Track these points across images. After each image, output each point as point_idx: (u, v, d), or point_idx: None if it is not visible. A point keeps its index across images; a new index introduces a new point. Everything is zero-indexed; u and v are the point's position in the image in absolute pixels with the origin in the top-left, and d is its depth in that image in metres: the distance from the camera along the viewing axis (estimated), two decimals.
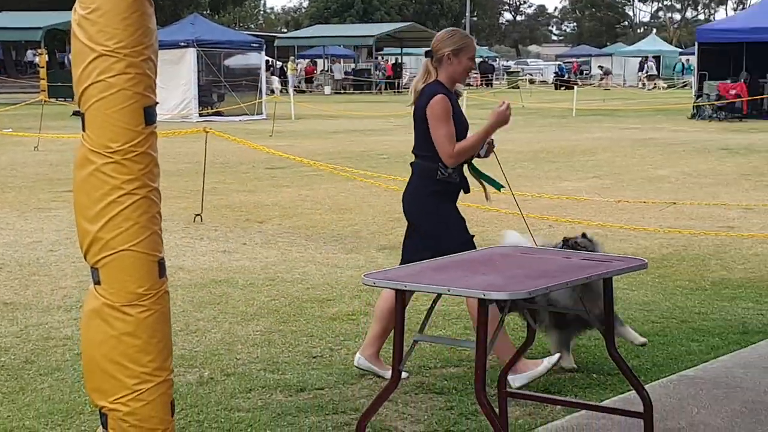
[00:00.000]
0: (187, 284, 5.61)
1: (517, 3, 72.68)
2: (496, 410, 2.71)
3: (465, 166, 3.91)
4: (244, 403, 3.60)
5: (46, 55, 24.90)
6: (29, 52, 33.79)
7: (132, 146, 2.08)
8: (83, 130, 2.12)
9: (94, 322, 2.11)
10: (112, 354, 2.10)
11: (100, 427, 2.14)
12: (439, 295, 2.65)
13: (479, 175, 4.06)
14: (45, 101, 19.04)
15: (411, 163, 3.90)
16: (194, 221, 7.73)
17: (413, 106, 3.79)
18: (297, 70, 36.92)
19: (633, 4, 70.10)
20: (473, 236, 3.87)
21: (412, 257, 3.49)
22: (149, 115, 2.11)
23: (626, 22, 72.75)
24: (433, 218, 3.76)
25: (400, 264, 3.68)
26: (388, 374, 3.22)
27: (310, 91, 35.93)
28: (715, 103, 20.18)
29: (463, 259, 3.04)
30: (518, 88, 33.70)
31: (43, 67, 23.75)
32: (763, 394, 3.87)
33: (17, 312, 4.92)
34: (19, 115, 18.74)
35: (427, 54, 3.82)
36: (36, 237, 7.24)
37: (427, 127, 3.67)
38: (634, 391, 3.01)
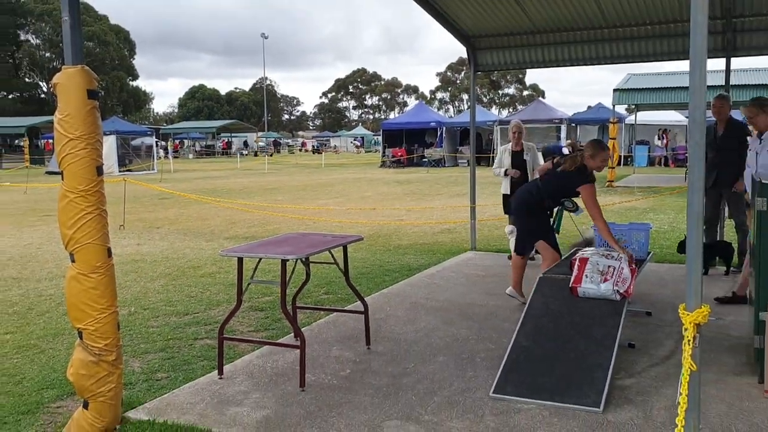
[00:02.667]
0: (118, 262, 8.56)
1: (290, 109, 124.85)
2: (291, 315, 4.83)
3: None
4: (155, 323, 6.12)
5: (27, 141, 41.93)
6: (17, 140, 50.41)
7: (90, 187, 3.73)
8: (62, 179, 3.73)
9: (72, 283, 3.77)
10: (83, 298, 3.77)
11: (78, 339, 3.83)
12: (260, 259, 4.66)
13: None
14: (28, 166, 34.70)
15: None
16: (119, 229, 12.38)
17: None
18: (173, 146, 55.59)
19: (349, 111, 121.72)
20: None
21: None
22: (99, 171, 3.77)
23: (346, 119, 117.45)
24: None
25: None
26: (524, 299, 5.98)
27: (176, 157, 52.32)
28: (390, 159, 35.98)
29: (273, 240, 5.05)
30: (293, 153, 66.46)
31: (26, 148, 40.11)
32: (421, 299, 6.66)
33: (21, 282, 8.08)
34: (14, 175, 29.97)
35: None
36: (28, 241, 11.37)
37: None
38: (359, 301, 5.33)
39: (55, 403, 4.32)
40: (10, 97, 69.04)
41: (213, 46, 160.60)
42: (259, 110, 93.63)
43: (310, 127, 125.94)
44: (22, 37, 69.83)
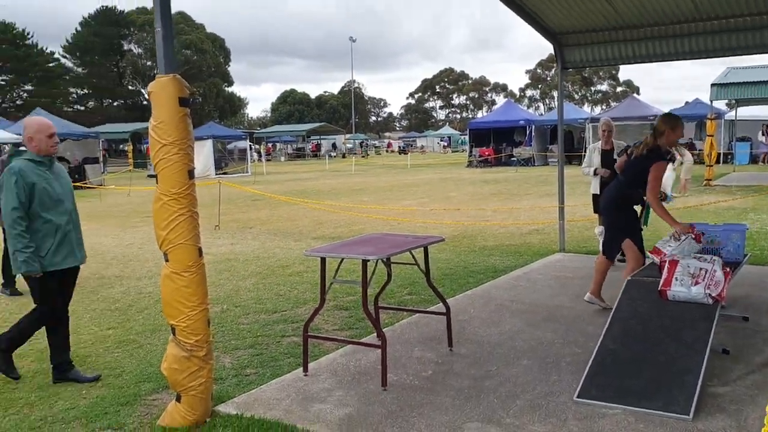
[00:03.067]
0: (213, 261, 9.47)
1: (378, 111, 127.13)
2: (374, 315, 4.89)
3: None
4: (245, 320, 6.36)
5: (131, 146, 43.20)
6: (121, 145, 54.48)
7: (183, 190, 3.92)
8: (157, 183, 3.95)
9: (166, 281, 3.98)
10: (176, 296, 3.97)
11: (171, 334, 4.04)
12: (342, 259, 4.75)
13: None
14: (131, 170, 34.29)
15: None
16: (215, 229, 12.98)
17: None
18: (266, 149, 58.52)
19: (435, 111, 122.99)
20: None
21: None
22: (191, 174, 3.96)
23: (433, 120, 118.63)
24: None
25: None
26: (605, 305, 5.97)
27: (269, 160, 54.34)
28: (478, 158, 35.77)
29: (355, 240, 5.13)
30: (379, 153, 69.93)
31: (129, 152, 40.54)
32: (506, 301, 6.55)
33: (123, 280, 8.55)
34: (118, 178, 32.68)
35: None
36: (130, 241, 12.05)
37: None
38: (441, 303, 5.33)
39: (151, 396, 4.55)
40: (114, 104, 72.94)
41: (305, 51, 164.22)
42: (347, 113, 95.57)
43: (397, 128, 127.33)
44: (126, 47, 73.62)
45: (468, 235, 11.43)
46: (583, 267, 8.21)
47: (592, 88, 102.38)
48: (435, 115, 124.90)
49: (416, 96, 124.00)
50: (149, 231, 12.96)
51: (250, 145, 45.39)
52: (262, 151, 52.86)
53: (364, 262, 4.44)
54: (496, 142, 36.81)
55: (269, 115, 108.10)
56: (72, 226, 4.82)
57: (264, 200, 19.16)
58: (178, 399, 3.99)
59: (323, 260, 4.73)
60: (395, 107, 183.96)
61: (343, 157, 62.72)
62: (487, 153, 36.32)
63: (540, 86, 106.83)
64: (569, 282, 7.49)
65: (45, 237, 4.65)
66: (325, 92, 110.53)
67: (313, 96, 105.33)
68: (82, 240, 4.97)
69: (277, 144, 67.24)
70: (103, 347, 5.66)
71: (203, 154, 32.58)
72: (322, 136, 69.73)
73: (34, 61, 64.05)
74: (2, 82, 65.17)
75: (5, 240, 4.66)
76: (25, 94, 65.06)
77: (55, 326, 4.92)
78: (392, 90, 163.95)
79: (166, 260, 3.96)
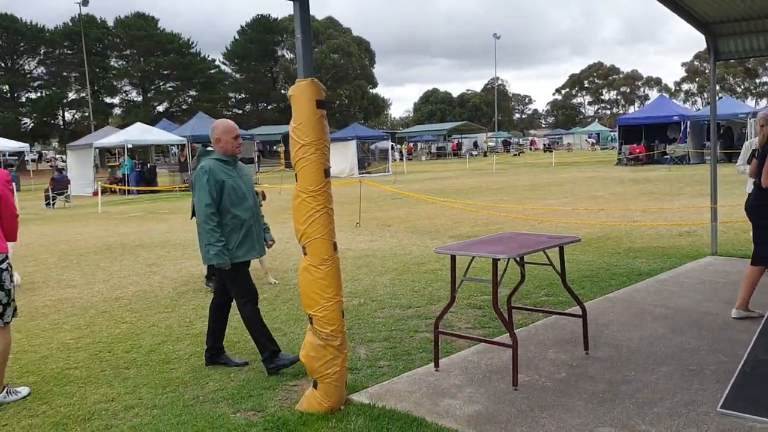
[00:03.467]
0: (352, 257, 9.82)
1: (522, 108, 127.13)
2: (505, 316, 4.88)
3: None
4: (381, 314, 6.55)
5: (283, 146, 46.14)
6: (275, 146, 56.78)
7: (319, 188, 4.13)
8: (296, 180, 4.19)
9: (304, 273, 4.21)
10: (313, 287, 4.18)
11: (309, 324, 4.26)
12: (473, 258, 4.78)
13: None
14: (282, 170, 35.75)
15: None
16: (355, 226, 13.59)
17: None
18: (407, 148, 59.92)
19: (584, 107, 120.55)
20: None
21: None
22: (326, 173, 4.16)
23: (581, 116, 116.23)
24: None
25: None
26: (756, 314, 5.72)
27: (410, 159, 55.14)
28: (628, 156, 34.34)
29: (487, 239, 5.15)
30: (522, 152, 67.56)
31: (281, 153, 43.84)
32: (649, 305, 6.25)
33: (271, 272, 8.63)
34: (269, 177, 33.26)
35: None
36: (279, 236, 11.63)
37: None
38: (578, 306, 5.21)
39: (291, 382, 4.82)
40: (268, 107, 77.00)
41: (448, 50, 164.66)
42: (490, 110, 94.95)
43: (542, 125, 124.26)
44: (279, 53, 77.48)
45: (613, 236, 11.00)
46: (736, 272, 7.66)
47: (757, 80, 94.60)
48: (583, 111, 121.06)
49: (563, 92, 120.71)
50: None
51: (392, 145, 46.44)
52: (403, 150, 53.71)
53: (495, 261, 4.44)
54: (647, 139, 34.96)
55: (411, 114, 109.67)
56: (254, 221, 5.11)
57: (403, 199, 19.48)
58: (315, 386, 4.20)
59: (453, 258, 4.78)
60: (540, 104, 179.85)
61: (485, 155, 62.28)
62: (637, 150, 34.50)
63: (697, 79, 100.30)
64: (719, 287, 7.02)
65: (232, 231, 4.92)
66: (467, 90, 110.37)
67: (455, 95, 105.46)
68: (262, 234, 5.29)
69: (418, 143, 68.03)
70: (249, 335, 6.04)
71: (348, 154, 33.62)
72: (463, 135, 69.69)
73: (198, 68, 69.07)
74: (170, 89, 70.84)
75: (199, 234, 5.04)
76: (190, 99, 70.35)
77: (220, 314, 5.28)
78: (537, 86, 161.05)
79: (305, 253, 4.18)
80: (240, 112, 75.62)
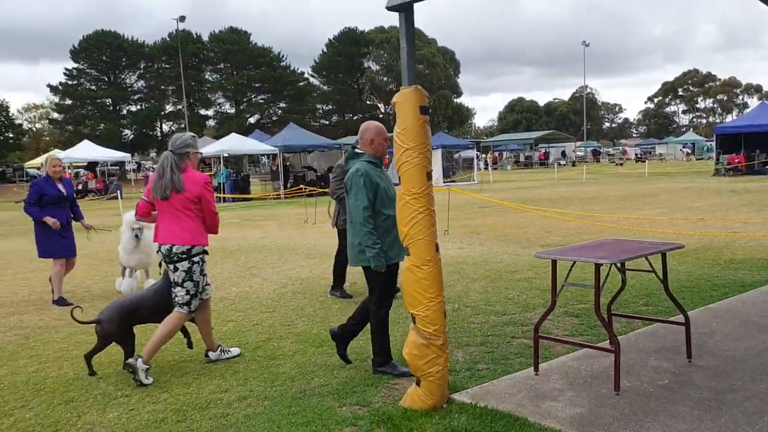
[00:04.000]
0: (444, 263, 9.43)
1: (612, 117, 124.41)
2: (606, 321, 4.88)
3: None
4: (476, 320, 6.63)
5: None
6: None
7: (422, 190, 4.27)
8: (399, 184, 4.35)
9: (407, 273, 4.35)
10: (416, 287, 4.32)
11: (412, 323, 4.41)
12: (574, 263, 4.80)
13: None
14: None
15: None
16: (444, 234, 12.98)
17: None
18: (492, 158, 60.19)
19: (677, 116, 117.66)
20: None
21: None
22: (429, 176, 4.30)
23: (674, 125, 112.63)
24: None
25: None
26: None
27: (495, 169, 55.34)
28: (726, 166, 32.82)
29: (587, 245, 5.17)
30: (613, 162, 64.10)
31: None
32: (754, 316, 6.08)
33: None
34: None
35: None
36: None
37: None
38: (680, 315, 5.13)
39: (393, 381, 4.97)
40: (354, 118, 78.22)
41: (534, 58, 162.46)
42: (578, 119, 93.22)
43: (633, 135, 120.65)
44: (365, 65, 78.72)
45: (712, 247, 10.64)
46: None
47: None
48: (677, 120, 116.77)
49: (656, 100, 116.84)
50: None
51: (477, 154, 46.31)
52: (488, 159, 53.39)
53: (597, 266, 4.45)
54: (747, 149, 33.34)
55: (496, 124, 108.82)
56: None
57: (491, 207, 19.42)
58: (418, 383, 4.34)
59: (554, 263, 4.82)
60: (631, 113, 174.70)
61: (573, 165, 61.04)
62: (737, 160, 32.93)
63: None
64: None
65: (384, 233, 4.97)
66: (554, 99, 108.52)
67: (541, 104, 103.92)
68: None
69: (503, 153, 67.47)
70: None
71: (433, 163, 33.81)
72: (550, 144, 68.59)
73: (288, 80, 71.13)
74: (261, 101, 73.19)
75: (341, 242, 5.19)
76: (280, 111, 72.42)
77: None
78: (628, 94, 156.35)
79: (407, 254, 4.33)
80: (327, 122, 77.23)
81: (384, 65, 77.18)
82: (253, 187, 32.19)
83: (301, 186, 28.02)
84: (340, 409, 4.44)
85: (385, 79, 77.31)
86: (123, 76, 67.96)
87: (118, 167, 49.07)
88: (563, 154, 67.90)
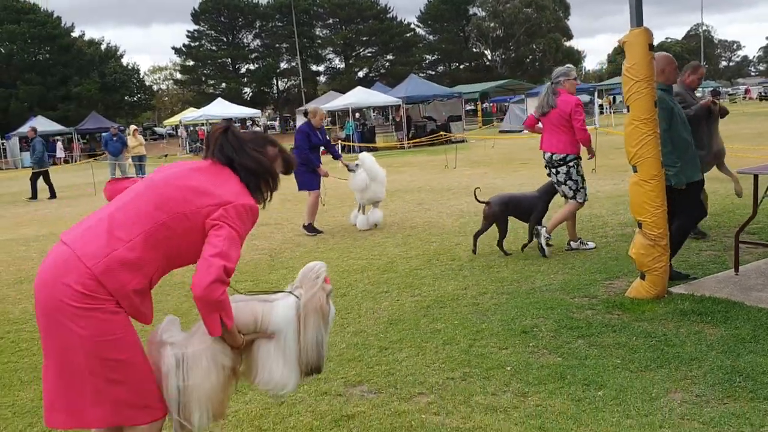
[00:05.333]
0: (604, 197, 9.42)
1: (729, 55, 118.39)
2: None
3: None
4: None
5: (480, 104, 51.60)
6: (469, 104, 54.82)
7: (650, 116, 5.05)
8: (628, 111, 5.18)
9: (634, 187, 5.19)
10: (643, 198, 5.09)
11: (638, 228, 5.28)
12: None
13: None
14: (480, 127, 42.94)
15: None
16: (592, 172, 12.25)
17: None
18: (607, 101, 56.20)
19: None
20: None
21: None
22: (655, 104, 5.11)
23: None
24: None
25: None
26: None
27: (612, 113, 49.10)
28: None
29: None
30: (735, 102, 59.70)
31: (479, 110, 49.85)
32: None
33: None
34: (477, 133, 35.19)
35: None
36: (513, 182, 13.25)
37: None
38: None
39: (605, 281, 5.87)
40: (461, 66, 77.97)
41: None
42: (693, 58, 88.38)
43: (751, 74, 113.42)
44: (471, 11, 77.81)
45: None
46: None
47: None
48: None
49: None
50: (529, 174, 14.49)
51: (590, 99, 45.55)
52: (604, 104, 52.31)
53: None
54: None
55: (605, 66, 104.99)
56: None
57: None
58: (643, 277, 5.23)
59: (756, 177, 5.53)
60: (751, 50, 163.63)
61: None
62: None
63: None
64: None
65: (682, 153, 5.40)
66: (667, 39, 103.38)
67: (655, 43, 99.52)
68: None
69: (615, 97, 65.49)
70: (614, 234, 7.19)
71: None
72: None
73: (395, 32, 71.53)
74: (368, 54, 74.20)
75: None
76: (388, 63, 73.19)
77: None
78: (748, 31, 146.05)
79: (635, 171, 5.18)
80: (433, 73, 77.32)
81: (490, 11, 76.07)
82: (377, 138, 33.45)
83: (422, 138, 28.96)
84: (572, 299, 5.41)
85: (492, 24, 76.27)
86: (240, 36, 70.66)
87: (239, 124, 51.77)
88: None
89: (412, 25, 75.84)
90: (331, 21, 73.07)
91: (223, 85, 67.06)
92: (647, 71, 5.03)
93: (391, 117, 36.48)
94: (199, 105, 49.07)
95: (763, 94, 66.53)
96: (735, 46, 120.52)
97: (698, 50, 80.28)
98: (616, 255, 6.74)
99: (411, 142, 29.56)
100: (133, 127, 21.40)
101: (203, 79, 69.48)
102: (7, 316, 6.26)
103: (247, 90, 69.58)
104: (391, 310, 5.54)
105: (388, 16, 72.80)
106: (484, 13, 77.54)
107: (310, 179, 9.30)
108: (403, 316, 5.34)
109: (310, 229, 9.35)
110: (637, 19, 5.10)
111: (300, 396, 3.93)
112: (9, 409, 4.11)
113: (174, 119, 42.49)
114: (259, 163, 2.71)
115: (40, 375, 2.58)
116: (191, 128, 40.17)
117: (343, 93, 35.42)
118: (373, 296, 5.97)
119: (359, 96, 30.61)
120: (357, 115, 35.15)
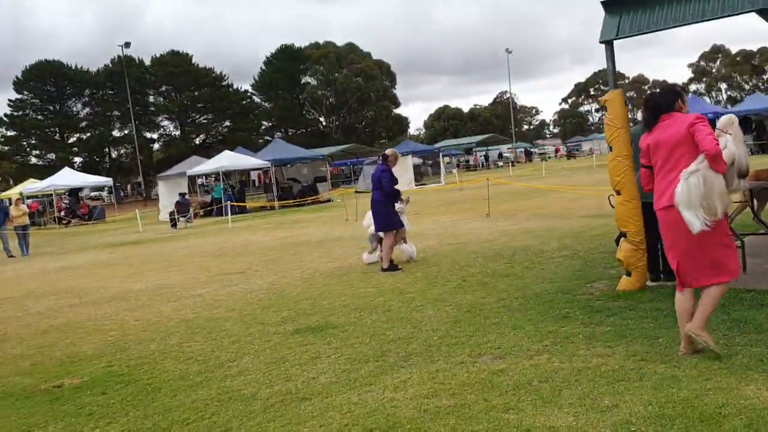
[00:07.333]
0: (511, 236, 11.35)
1: (530, 119, 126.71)
2: None
3: None
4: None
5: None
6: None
7: (628, 154, 6.91)
8: (611, 150, 6.98)
9: (620, 207, 6.99)
10: (627, 214, 6.93)
11: (623, 237, 7.03)
12: None
13: None
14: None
15: None
16: (486, 216, 16.00)
17: None
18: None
19: (591, 114, 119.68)
20: None
21: None
22: (631, 144, 6.97)
23: (588, 123, 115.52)
24: None
25: None
26: None
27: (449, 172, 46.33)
28: None
29: None
30: (546, 160, 73.17)
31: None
32: None
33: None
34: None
35: None
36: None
37: None
38: None
39: (587, 285, 7.56)
40: (297, 132, 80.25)
41: (448, 67, 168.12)
42: (500, 123, 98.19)
43: (547, 135, 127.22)
44: (303, 80, 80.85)
45: None
46: None
47: (764, 76, 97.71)
48: (590, 118, 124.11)
49: (569, 101, 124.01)
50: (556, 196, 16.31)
51: (423, 160, 49.36)
52: (442, 164, 56.80)
53: None
54: None
55: (423, 132, 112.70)
56: None
57: (498, 196, 22.13)
58: (629, 274, 6.97)
59: (751, 191, 7.56)
60: (547, 114, 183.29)
61: (512, 165, 65.00)
62: None
63: (705, 79, 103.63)
64: None
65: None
66: (475, 105, 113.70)
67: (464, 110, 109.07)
68: None
69: (446, 157, 71.05)
70: (559, 255, 8.80)
71: (406, 168, 36.48)
72: (489, 147, 72.73)
73: (231, 99, 72.41)
74: (204, 121, 74.20)
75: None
76: (225, 130, 73.60)
77: None
78: (543, 97, 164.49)
79: (618, 194, 6.97)
80: (270, 138, 78.84)
81: (322, 80, 79.61)
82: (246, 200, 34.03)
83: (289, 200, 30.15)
84: (578, 297, 7.03)
85: (324, 92, 79.71)
86: (69, 104, 67.78)
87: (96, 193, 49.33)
88: (500, 155, 72.18)
89: (249, 92, 77.22)
90: (164, 88, 72.44)
91: (51, 155, 63.73)
92: (624, 121, 6.90)
93: (253, 180, 37.26)
94: (20, 178, 46.59)
95: (569, 151, 75.58)
96: (534, 111, 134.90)
97: (505, 115, 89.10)
98: (575, 269, 8.50)
99: (279, 203, 30.57)
100: (16, 196, 20.55)
101: (27, 149, 65.51)
102: None
103: (77, 160, 66.55)
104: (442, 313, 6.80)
105: (223, 83, 73.62)
106: (316, 82, 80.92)
107: (391, 219, 10.01)
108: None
109: (392, 268, 9.74)
110: (614, 84, 6.99)
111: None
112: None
113: (13, 191, 39.95)
114: None
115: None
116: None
117: (182, 160, 36.27)
118: (482, 281, 7.18)
119: (230, 159, 31.25)
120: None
